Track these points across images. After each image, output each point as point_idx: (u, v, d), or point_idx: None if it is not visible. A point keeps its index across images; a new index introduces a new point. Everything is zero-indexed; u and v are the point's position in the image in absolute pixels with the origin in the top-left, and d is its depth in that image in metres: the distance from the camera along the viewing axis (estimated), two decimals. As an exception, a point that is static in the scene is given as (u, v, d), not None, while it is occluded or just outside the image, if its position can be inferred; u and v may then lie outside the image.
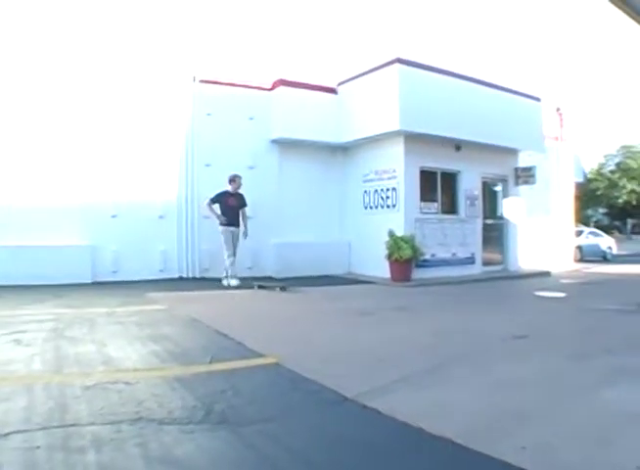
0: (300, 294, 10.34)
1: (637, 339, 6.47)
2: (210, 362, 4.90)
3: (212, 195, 11.34)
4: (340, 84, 14.40)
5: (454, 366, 5.01)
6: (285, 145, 13.66)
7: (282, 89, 13.57)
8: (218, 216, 11.25)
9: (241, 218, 11.41)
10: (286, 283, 10.96)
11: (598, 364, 5.10)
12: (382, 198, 13.40)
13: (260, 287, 10.75)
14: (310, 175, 14.05)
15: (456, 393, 4.19)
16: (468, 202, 14.34)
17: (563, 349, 5.82)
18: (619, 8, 8.09)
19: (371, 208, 13.78)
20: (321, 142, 13.97)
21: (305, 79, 14.26)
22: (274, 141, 13.59)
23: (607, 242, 26.08)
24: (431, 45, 74.54)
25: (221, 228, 11.26)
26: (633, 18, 8.51)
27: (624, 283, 14.43)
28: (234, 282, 10.97)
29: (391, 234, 12.35)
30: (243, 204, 11.47)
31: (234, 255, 11.26)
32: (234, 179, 11.52)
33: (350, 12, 79.36)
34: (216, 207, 11.34)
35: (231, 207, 11.35)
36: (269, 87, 13.80)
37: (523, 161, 16.09)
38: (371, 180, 13.75)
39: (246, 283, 10.96)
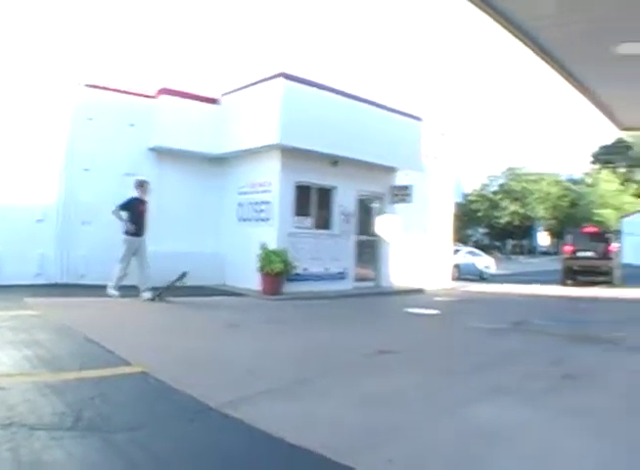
0: (174, 304, 11.36)
1: (507, 357, 7.36)
2: (80, 370, 5.44)
3: (121, 201, 11.65)
4: (223, 95, 15.90)
5: (320, 379, 5.69)
6: (164, 153, 14.90)
7: (165, 98, 14.85)
8: (127, 225, 11.50)
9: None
10: (159, 292, 11.72)
11: (466, 380, 5.86)
12: (256, 210, 14.99)
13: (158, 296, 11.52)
14: (188, 185, 15.35)
15: (321, 405, 4.76)
16: (342, 218, 16.21)
17: (431, 364, 6.67)
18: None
19: (245, 220, 15.33)
20: (200, 152, 15.35)
21: (191, 89, 15.65)
22: (153, 149, 14.80)
23: (484, 261, 29.53)
24: (317, 62, 78.22)
25: (126, 237, 11.56)
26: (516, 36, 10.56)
27: (499, 302, 16.45)
28: (147, 295, 11.50)
29: (264, 247, 13.88)
30: (146, 211, 11.95)
31: (144, 266, 11.75)
32: (142, 185, 12.00)
33: (240, 26, 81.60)
34: (124, 214, 11.59)
35: (142, 214, 11.78)
36: (153, 95, 15.01)
37: (401, 179, 18.23)
38: (246, 193, 15.31)
39: (127, 292, 11.57)
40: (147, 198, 12.11)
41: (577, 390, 5.63)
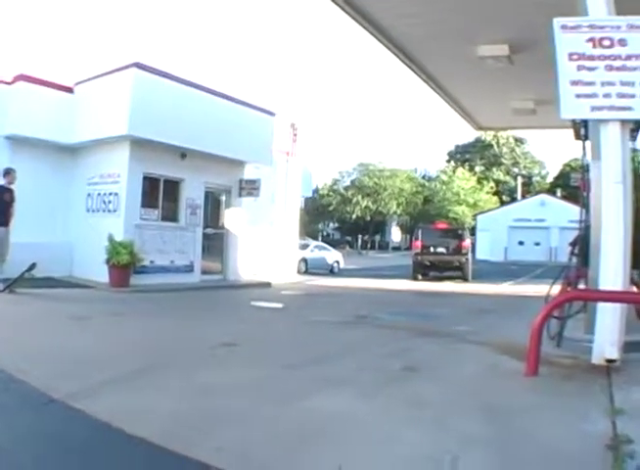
0: (22, 296, 12.02)
1: (348, 350, 7.91)
2: None
3: None
4: (77, 84, 16.77)
5: (162, 371, 6.19)
6: (18, 142, 15.48)
7: (21, 84, 15.45)
8: None
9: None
10: (8, 284, 12.24)
11: (306, 373, 6.30)
12: (104, 202, 16.09)
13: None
14: (41, 175, 15.96)
15: (160, 396, 5.20)
16: (189, 210, 17.62)
17: (273, 357, 7.17)
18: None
19: (93, 211, 16.39)
20: (54, 141, 16.09)
21: (48, 77, 16.36)
22: (7, 137, 15.38)
23: (334, 256, 31.86)
24: (173, 54, 79.07)
25: None
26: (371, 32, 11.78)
27: (346, 296, 17.80)
28: None
29: (111, 239, 14.96)
30: (14, 200, 12.47)
31: (3, 257, 12.27)
32: (9, 172, 12.52)
33: (99, 15, 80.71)
34: None
35: (5, 203, 12.26)
36: (9, 81, 15.53)
37: (250, 172, 19.90)
38: (96, 183, 16.35)
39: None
40: (13, 186, 12.67)
41: (414, 382, 6.10)
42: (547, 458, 4.02)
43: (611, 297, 6.84)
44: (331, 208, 72.80)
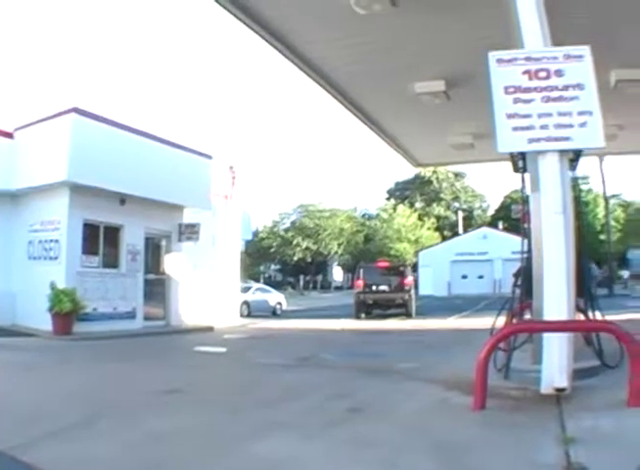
0: None
1: (292, 392, 7.93)
2: None
3: None
4: (16, 130, 17.18)
5: (105, 420, 6.27)
6: None
7: None
8: None
9: None
10: None
11: (251, 417, 6.41)
12: (45, 249, 16.39)
13: None
14: None
15: (104, 445, 5.27)
16: (130, 256, 18.00)
17: (217, 402, 7.33)
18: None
19: (35, 258, 16.65)
20: None
21: None
22: None
23: (276, 298, 32.49)
24: (111, 98, 79.90)
25: None
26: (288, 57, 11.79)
27: (289, 338, 18.05)
28: None
29: (53, 286, 15.27)
30: None
31: None
32: None
33: (39, 60, 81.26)
34: None
35: None
36: None
37: (189, 217, 20.39)
38: (36, 230, 16.65)
39: None
40: None
41: (361, 422, 6.19)
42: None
43: (555, 327, 7.00)
44: (272, 250, 73.52)
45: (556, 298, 7.05)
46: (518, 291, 9.05)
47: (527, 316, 8.72)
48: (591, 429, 5.45)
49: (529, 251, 8.43)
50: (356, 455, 5.02)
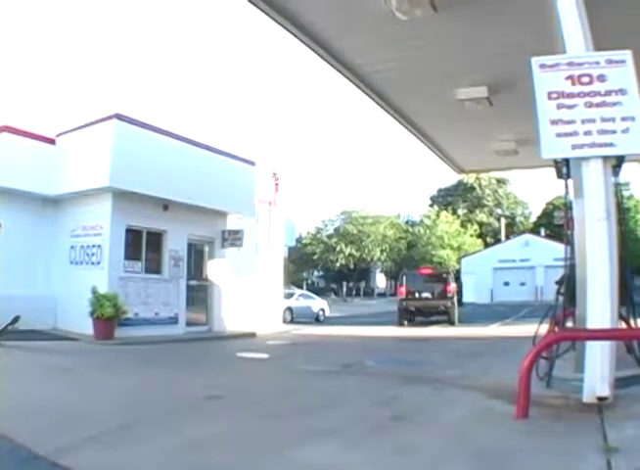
0: (7, 348, 12.15)
1: (335, 399, 7.89)
2: None
3: None
4: (58, 136, 17.18)
5: (147, 425, 6.25)
6: (0, 193, 15.62)
7: (4, 136, 15.84)
8: None
9: None
10: None
11: (292, 424, 6.36)
12: (87, 254, 16.34)
13: None
14: (23, 226, 16.15)
15: (145, 451, 5.22)
16: (172, 262, 17.90)
17: (259, 409, 7.18)
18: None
19: (77, 263, 16.61)
20: (36, 193, 16.41)
21: (30, 128, 16.75)
22: None
23: (319, 304, 32.15)
24: (153, 104, 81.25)
25: None
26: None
27: (332, 344, 17.88)
28: None
29: (94, 291, 15.15)
30: None
31: None
32: None
33: (80, 66, 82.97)
34: None
35: None
36: None
37: (233, 223, 20.28)
38: (78, 235, 16.61)
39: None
40: None
41: (404, 430, 6.09)
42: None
43: (598, 335, 6.82)
44: (315, 256, 73.32)
45: (599, 306, 6.87)
46: (561, 298, 8.81)
47: (570, 324, 8.50)
48: (633, 438, 5.34)
49: (573, 258, 8.17)
50: (399, 463, 4.96)
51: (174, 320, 17.83)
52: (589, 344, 6.99)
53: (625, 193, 66.25)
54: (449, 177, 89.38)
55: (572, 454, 4.93)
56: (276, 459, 5.03)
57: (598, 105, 7.12)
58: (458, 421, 6.49)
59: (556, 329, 8.58)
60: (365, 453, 5.20)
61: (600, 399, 6.67)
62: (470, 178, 79.31)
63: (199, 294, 19.29)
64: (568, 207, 8.62)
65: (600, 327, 6.80)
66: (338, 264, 72.75)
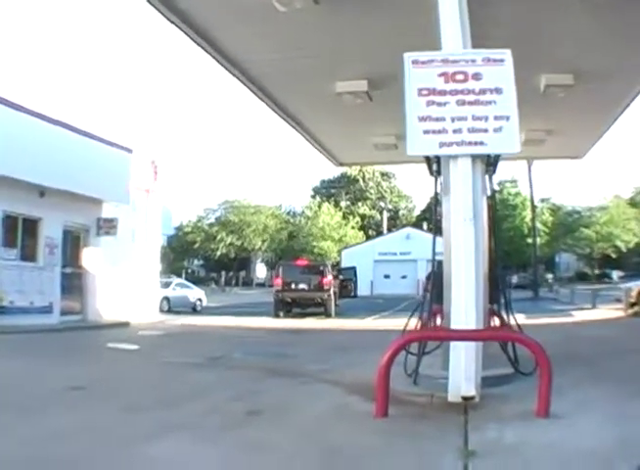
0: None
1: (195, 392, 7.98)
2: None
3: None
4: None
5: (4, 416, 6.28)
6: None
7: None
8: None
9: None
10: None
11: (149, 417, 6.41)
12: (-36, 243, 16.09)
13: None
14: None
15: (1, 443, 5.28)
16: (47, 249, 18.01)
17: (119, 401, 7.24)
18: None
19: (-45, 253, 16.28)
20: None
21: None
22: None
23: (196, 293, 32.83)
24: (30, 88, 78.47)
25: None
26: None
27: (204, 335, 18.25)
28: None
29: (-31, 279, 15.20)
30: None
31: None
32: None
33: None
34: None
35: None
36: None
37: (109, 211, 20.51)
38: (-46, 222, 16.32)
39: None
40: None
41: (258, 426, 6.16)
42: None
43: (457, 336, 6.92)
44: (195, 245, 73.33)
45: (463, 305, 6.97)
46: (428, 295, 9.02)
47: (439, 321, 8.59)
48: (494, 441, 5.39)
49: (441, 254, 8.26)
50: (247, 462, 5.03)
51: (49, 309, 17.99)
52: (453, 343, 7.07)
53: (513, 190, 69.72)
54: (332, 169, 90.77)
55: (429, 457, 5.02)
56: (127, 453, 5.14)
57: (471, 103, 7.19)
58: (316, 418, 6.56)
59: (426, 325, 8.70)
60: (215, 450, 5.29)
61: (465, 398, 6.72)
62: (354, 171, 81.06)
63: (74, 282, 19.49)
64: (437, 204, 8.59)
65: (463, 327, 6.86)
66: (218, 253, 73.08)
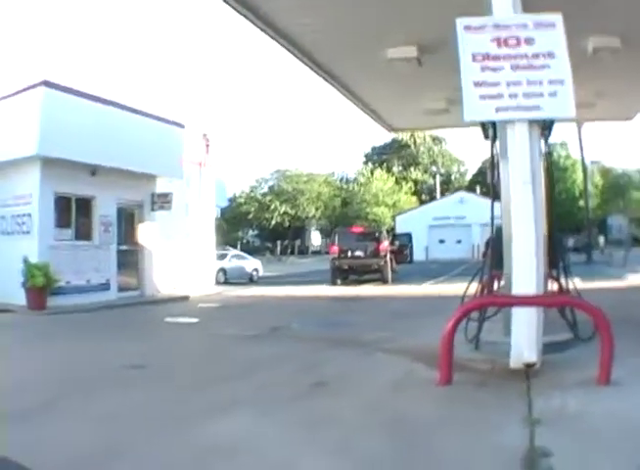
0: None
1: (257, 365, 7.95)
2: None
3: None
4: (-15, 105, 16.96)
5: (67, 399, 6.29)
6: None
7: None
8: None
9: None
10: None
11: (212, 393, 6.41)
12: (18, 223, 16.52)
13: None
14: None
15: (63, 426, 5.30)
16: (102, 228, 18.18)
17: (180, 378, 7.32)
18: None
19: (8, 233, 16.79)
20: None
21: None
22: None
23: (252, 264, 32.62)
24: (81, 69, 79.41)
25: None
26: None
27: (262, 306, 18.24)
28: None
29: (26, 261, 15.42)
30: None
31: None
32: None
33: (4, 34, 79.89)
34: None
35: None
36: None
37: (163, 186, 20.57)
38: (9, 205, 16.78)
39: None
40: None
41: (323, 398, 6.16)
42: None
43: (518, 302, 6.92)
44: (249, 215, 73.57)
45: (524, 270, 6.96)
46: (489, 260, 8.95)
47: (496, 286, 8.67)
48: (558, 409, 5.37)
49: (500, 219, 8.25)
50: (311, 435, 5.00)
51: (106, 286, 18.18)
52: (515, 309, 7.07)
53: (562, 153, 68.33)
54: (383, 135, 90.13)
55: (493, 425, 5.00)
56: (187, 433, 5.11)
57: (525, 68, 7.13)
58: (379, 388, 6.54)
59: (485, 291, 8.82)
60: (279, 425, 5.29)
61: (527, 365, 6.71)
62: (404, 136, 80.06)
63: (130, 258, 19.61)
64: (494, 168, 8.61)
65: (524, 292, 6.85)
66: (273, 223, 73.17)
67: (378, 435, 4.89)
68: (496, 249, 8.39)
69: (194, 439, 4.97)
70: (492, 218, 8.68)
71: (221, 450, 4.65)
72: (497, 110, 7.17)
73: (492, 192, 9.08)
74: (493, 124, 8.05)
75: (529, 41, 7.19)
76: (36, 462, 4.31)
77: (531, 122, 7.25)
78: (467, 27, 7.38)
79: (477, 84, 7.20)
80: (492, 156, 8.51)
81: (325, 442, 4.83)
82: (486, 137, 8.42)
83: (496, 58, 7.20)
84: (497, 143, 8.25)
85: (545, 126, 7.94)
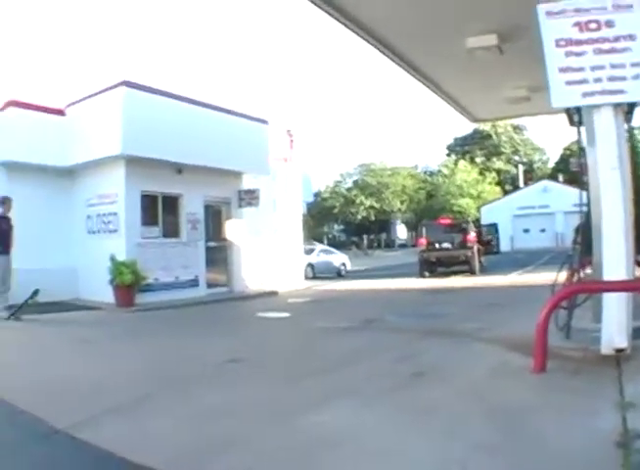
0: (28, 322, 12.02)
1: (354, 357, 7.80)
2: None
3: None
4: (68, 106, 16.84)
5: (165, 394, 6.18)
6: (12, 168, 15.46)
7: (12, 110, 15.52)
8: None
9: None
10: (13, 311, 12.35)
11: (311, 386, 6.28)
12: (104, 222, 16.14)
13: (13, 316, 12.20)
14: (38, 199, 15.85)
15: (164, 422, 5.16)
16: (190, 225, 17.67)
17: (276, 371, 7.20)
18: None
19: (94, 232, 16.44)
20: (49, 165, 16.08)
21: (38, 100, 16.43)
22: (1, 164, 15.37)
23: (340, 258, 31.76)
24: (161, 69, 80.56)
25: None
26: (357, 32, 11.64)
27: (353, 300, 17.78)
28: (3, 314, 12.27)
29: (113, 259, 15.05)
30: (12, 228, 12.79)
31: (6, 285, 12.56)
32: (4, 201, 12.81)
33: (84, 35, 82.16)
34: None
35: (6, 232, 12.62)
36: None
37: (249, 183, 19.98)
38: (94, 204, 16.41)
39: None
40: (9, 214, 12.92)
41: (422, 388, 6.07)
42: (554, 460, 3.96)
43: (612, 287, 6.69)
44: (335, 210, 73.09)
45: (614, 256, 6.81)
46: (578, 247, 8.75)
47: (589, 272, 8.25)
48: None
49: (588, 205, 7.94)
50: (415, 423, 4.92)
51: (195, 283, 17.69)
52: (605, 294, 6.91)
53: (640, 137, 65.21)
54: (465, 126, 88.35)
55: (588, 410, 4.92)
56: (293, 425, 4.97)
57: (607, 51, 6.87)
58: (476, 377, 6.45)
59: (574, 278, 8.43)
60: (382, 414, 5.18)
61: (618, 350, 6.62)
62: (486, 126, 78.29)
63: (218, 255, 19.08)
64: (581, 154, 8.39)
65: (615, 278, 6.66)
66: (358, 217, 72.59)
67: (480, 420, 4.86)
68: (585, 235, 8.22)
69: (297, 430, 4.86)
70: (581, 205, 8.47)
71: (327, 438, 4.60)
72: (584, 95, 6.99)
73: (579, 178, 8.99)
74: (578, 110, 7.84)
75: (609, 24, 6.91)
76: (144, 457, 4.22)
77: (616, 107, 7.02)
78: (548, 13, 7.16)
79: (562, 70, 7.04)
80: (579, 142, 8.34)
81: (431, 428, 4.78)
82: (572, 124, 8.27)
83: (579, 42, 7.01)
84: (582, 129, 7.97)
85: (628, 109, 7.58)
